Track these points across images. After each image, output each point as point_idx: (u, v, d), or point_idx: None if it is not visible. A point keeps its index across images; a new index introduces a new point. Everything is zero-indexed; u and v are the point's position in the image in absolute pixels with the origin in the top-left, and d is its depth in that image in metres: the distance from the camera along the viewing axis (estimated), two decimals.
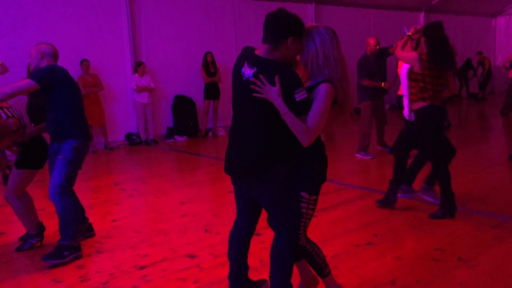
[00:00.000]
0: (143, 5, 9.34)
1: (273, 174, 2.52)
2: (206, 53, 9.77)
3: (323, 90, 2.46)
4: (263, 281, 3.11)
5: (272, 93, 2.38)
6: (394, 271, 3.37)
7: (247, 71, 2.49)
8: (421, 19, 14.40)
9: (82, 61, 8.48)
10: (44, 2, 8.18)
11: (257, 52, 2.54)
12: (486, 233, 4.04)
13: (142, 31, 9.43)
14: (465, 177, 5.80)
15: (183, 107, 9.92)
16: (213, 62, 9.71)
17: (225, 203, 5.08)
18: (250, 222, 2.83)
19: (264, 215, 2.80)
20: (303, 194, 2.62)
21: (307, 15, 11.82)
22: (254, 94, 2.42)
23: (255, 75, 2.44)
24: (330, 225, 4.37)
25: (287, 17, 2.46)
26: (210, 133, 10.20)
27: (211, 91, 9.85)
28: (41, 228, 4.10)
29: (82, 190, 5.99)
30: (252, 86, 2.43)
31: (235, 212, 2.92)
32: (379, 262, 3.53)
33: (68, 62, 8.49)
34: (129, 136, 9.41)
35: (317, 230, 4.18)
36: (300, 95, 2.39)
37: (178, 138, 9.78)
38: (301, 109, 2.40)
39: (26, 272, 3.47)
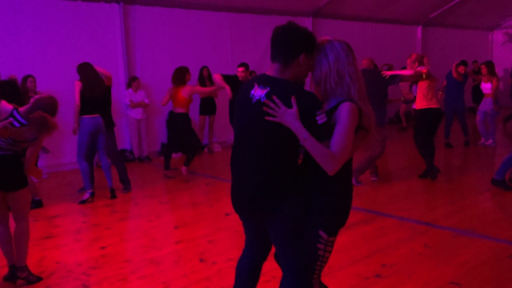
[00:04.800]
0: (137, 19, 9.09)
1: (285, 209, 2.24)
2: (202, 68, 9.53)
3: (345, 110, 2.17)
4: None
5: (288, 116, 2.10)
6: None
7: (258, 92, 2.22)
8: (418, 33, 14.27)
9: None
10: (37, 17, 7.91)
11: (267, 73, 2.29)
12: (503, 263, 3.77)
13: (137, 46, 9.17)
14: (473, 198, 5.55)
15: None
16: (209, 76, 9.44)
17: (222, 228, 4.77)
18: (260, 254, 2.55)
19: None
20: (321, 233, 2.30)
21: None
22: (267, 118, 2.13)
23: (267, 95, 2.16)
24: (334, 253, 3.97)
25: (298, 31, 2.19)
26: (205, 149, 9.92)
27: (207, 106, 9.58)
28: None
29: (71, 212, 5.71)
30: (264, 108, 2.14)
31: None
32: None
33: (62, 77, 8.31)
34: (122, 153, 9.10)
35: None
36: (321, 118, 2.12)
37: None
38: (323, 133, 2.12)
39: None
